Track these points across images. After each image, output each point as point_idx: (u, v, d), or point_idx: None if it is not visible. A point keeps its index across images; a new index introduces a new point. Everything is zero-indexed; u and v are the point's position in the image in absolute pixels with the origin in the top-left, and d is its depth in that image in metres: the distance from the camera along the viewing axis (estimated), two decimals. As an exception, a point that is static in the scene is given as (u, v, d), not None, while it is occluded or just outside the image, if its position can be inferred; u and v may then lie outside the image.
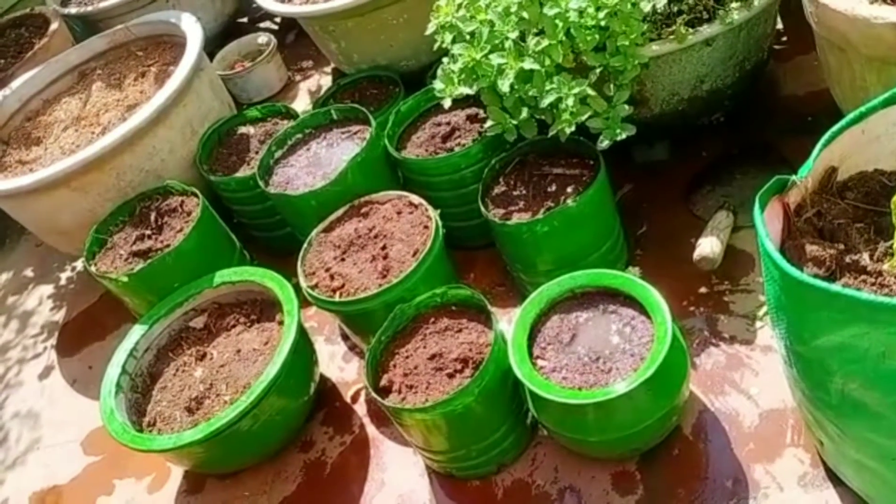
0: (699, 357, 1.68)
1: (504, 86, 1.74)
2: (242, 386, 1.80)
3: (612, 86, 1.74)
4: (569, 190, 1.77)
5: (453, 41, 1.87)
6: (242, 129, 2.46)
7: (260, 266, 2.02)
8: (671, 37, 1.72)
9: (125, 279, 2.04)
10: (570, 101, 1.69)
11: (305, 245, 1.94)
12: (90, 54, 2.84)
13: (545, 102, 1.72)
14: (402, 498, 1.71)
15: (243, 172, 2.29)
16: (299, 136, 2.25)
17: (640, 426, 1.46)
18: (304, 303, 1.86)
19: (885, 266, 1.15)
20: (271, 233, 2.33)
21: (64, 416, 2.28)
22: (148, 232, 2.19)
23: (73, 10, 3.34)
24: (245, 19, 3.65)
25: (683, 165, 2.06)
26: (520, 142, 1.86)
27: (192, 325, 2.02)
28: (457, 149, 1.97)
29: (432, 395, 1.53)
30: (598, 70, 1.71)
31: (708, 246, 1.72)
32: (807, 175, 1.23)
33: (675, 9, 1.75)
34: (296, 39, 3.35)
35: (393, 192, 1.98)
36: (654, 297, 1.50)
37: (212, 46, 3.12)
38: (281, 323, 1.86)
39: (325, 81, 3.05)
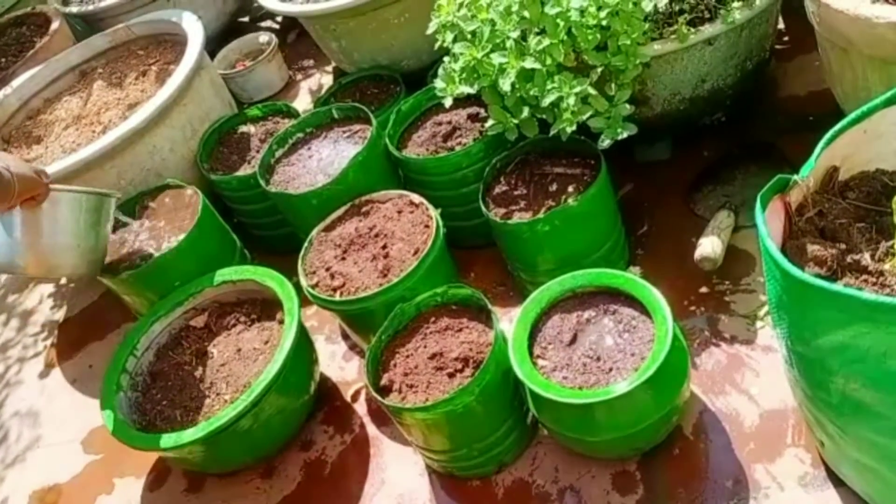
0: (700, 357, 1.68)
1: (505, 85, 1.74)
2: (243, 385, 1.80)
3: (613, 85, 1.74)
4: (570, 189, 1.77)
5: (454, 40, 1.86)
6: (243, 128, 2.46)
7: (260, 265, 2.02)
8: (673, 36, 1.72)
9: (125, 277, 2.04)
10: (572, 101, 1.69)
11: (306, 244, 1.94)
12: (91, 53, 2.84)
13: (546, 101, 1.71)
14: (401, 497, 1.71)
15: (244, 171, 2.29)
16: (300, 135, 2.25)
17: (641, 426, 1.46)
18: (304, 302, 1.86)
19: (887, 266, 1.15)
20: (272, 232, 2.33)
21: (64, 415, 2.28)
22: (148, 231, 2.19)
23: (74, 8, 3.35)
24: (246, 18, 3.65)
25: (685, 165, 2.06)
26: (521, 141, 1.86)
27: (192, 324, 2.02)
28: (458, 148, 1.97)
29: (433, 395, 1.53)
30: (599, 69, 1.71)
31: (709, 245, 1.72)
32: (808, 174, 1.23)
33: (677, 8, 1.74)
34: (297, 38, 3.35)
35: (394, 191, 1.98)
36: (655, 296, 1.50)
37: (213, 45, 3.12)
38: (281, 322, 1.85)
39: (326, 80, 3.05)
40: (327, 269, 1.86)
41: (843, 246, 1.18)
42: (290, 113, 2.45)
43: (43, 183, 1.72)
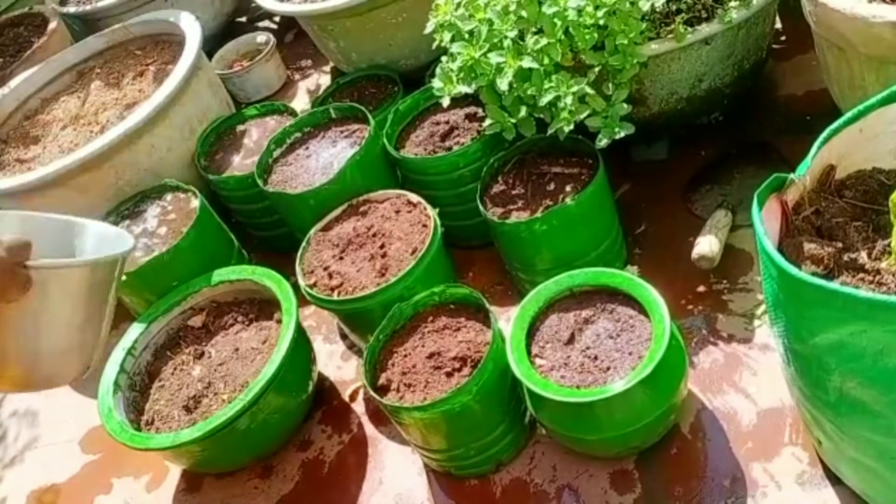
0: (697, 356, 1.68)
1: (503, 84, 1.74)
2: (240, 385, 1.80)
3: (610, 84, 1.74)
4: (567, 189, 1.77)
5: (452, 40, 1.87)
6: (241, 128, 2.46)
7: (258, 265, 2.02)
8: (670, 36, 1.72)
9: (123, 277, 2.03)
10: (569, 100, 1.69)
11: (304, 244, 1.94)
12: (89, 53, 2.83)
13: (544, 101, 1.72)
14: (399, 497, 1.71)
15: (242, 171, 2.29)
16: (298, 134, 2.24)
17: (639, 425, 1.46)
18: (302, 301, 1.86)
19: (883, 264, 1.15)
20: (270, 231, 2.33)
21: (62, 415, 2.28)
22: (146, 230, 2.19)
23: (71, 9, 3.34)
24: (244, 18, 3.65)
25: (682, 164, 2.06)
26: (518, 140, 1.86)
27: (190, 324, 2.02)
28: (455, 147, 1.97)
29: (430, 394, 1.53)
30: (596, 69, 1.71)
31: (706, 245, 1.72)
32: (805, 173, 1.23)
33: (674, 7, 1.75)
34: (295, 38, 3.35)
35: (391, 190, 1.98)
36: (653, 295, 1.50)
37: (210, 45, 3.11)
38: (279, 322, 1.85)
39: (324, 80, 3.05)
40: (325, 269, 1.86)
41: (839, 244, 1.19)
42: (288, 113, 2.45)
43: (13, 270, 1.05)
